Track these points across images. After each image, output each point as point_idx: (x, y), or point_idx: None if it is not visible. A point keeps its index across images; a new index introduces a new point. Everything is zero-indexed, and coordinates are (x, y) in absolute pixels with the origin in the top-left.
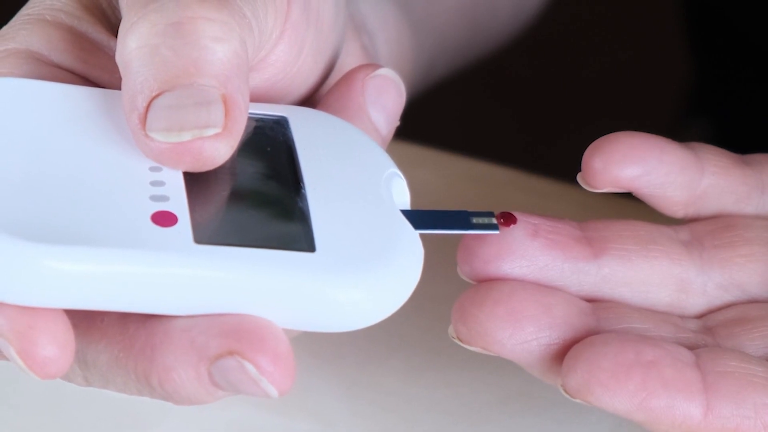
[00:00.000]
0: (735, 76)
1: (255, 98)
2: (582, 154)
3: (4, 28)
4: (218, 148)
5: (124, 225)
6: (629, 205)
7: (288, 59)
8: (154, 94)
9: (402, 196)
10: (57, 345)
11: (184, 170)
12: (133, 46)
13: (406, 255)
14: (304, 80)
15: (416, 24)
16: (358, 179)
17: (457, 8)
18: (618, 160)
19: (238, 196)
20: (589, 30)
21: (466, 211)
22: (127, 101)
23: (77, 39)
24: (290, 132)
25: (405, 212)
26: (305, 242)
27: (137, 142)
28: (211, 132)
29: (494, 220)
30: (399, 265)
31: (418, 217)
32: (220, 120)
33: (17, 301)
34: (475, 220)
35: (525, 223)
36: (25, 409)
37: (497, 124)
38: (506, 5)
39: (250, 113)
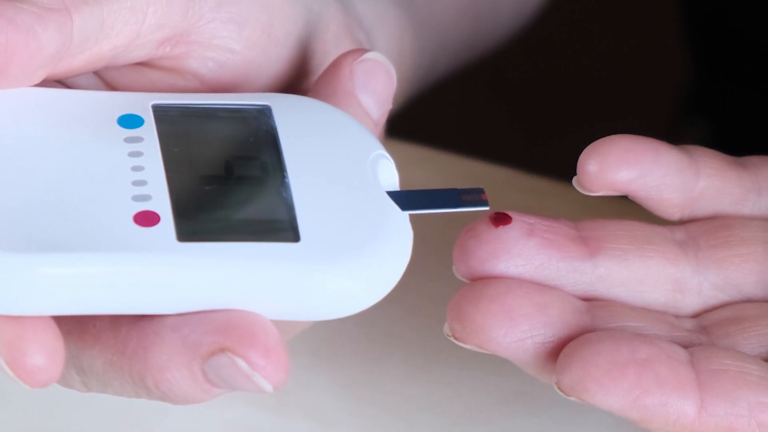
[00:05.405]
0: (734, 76)
1: (216, 79)
2: (580, 154)
3: None
4: None
5: (106, 228)
6: (626, 204)
7: (230, 35)
8: None
9: (390, 177)
10: (46, 354)
11: None
12: None
13: (394, 238)
14: (276, 55)
15: (417, 23)
16: (343, 163)
17: (459, 6)
18: (613, 164)
19: (221, 191)
20: (587, 30)
21: (455, 189)
22: None
23: None
24: (273, 121)
25: (392, 194)
26: (289, 232)
27: None
28: None
29: (483, 196)
30: (387, 248)
31: (406, 198)
32: None
33: (5, 311)
34: (464, 198)
35: (521, 223)
36: (25, 409)
37: (496, 124)
38: (507, 3)
39: (233, 104)
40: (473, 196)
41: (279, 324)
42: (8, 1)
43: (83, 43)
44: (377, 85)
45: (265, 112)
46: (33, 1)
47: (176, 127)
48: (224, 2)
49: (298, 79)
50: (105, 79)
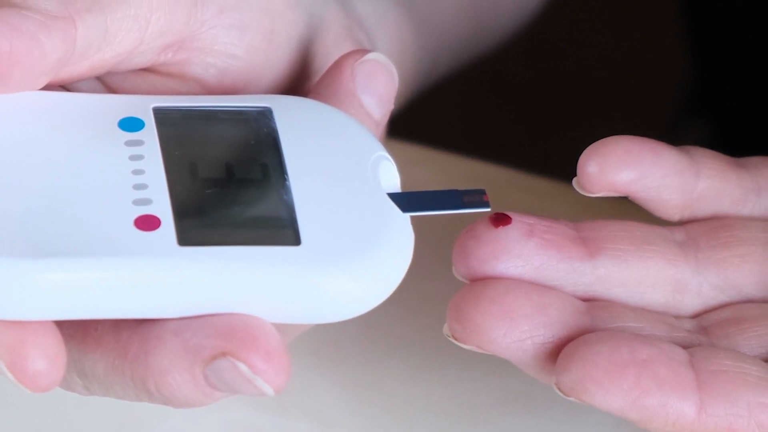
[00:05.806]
0: (734, 76)
1: (215, 84)
2: (581, 154)
3: None
4: None
5: (107, 232)
6: (626, 205)
7: (232, 41)
8: None
9: (391, 178)
10: (47, 358)
11: None
12: None
13: (395, 239)
14: (278, 59)
15: (418, 22)
16: (344, 165)
17: (459, 6)
18: (613, 165)
19: (222, 194)
20: (587, 30)
21: (456, 190)
22: None
23: None
24: (274, 123)
25: (394, 195)
26: (290, 236)
27: None
28: None
29: (485, 198)
30: (388, 250)
31: (407, 200)
32: None
33: (6, 316)
34: (465, 199)
35: (520, 223)
36: (26, 410)
37: (496, 124)
38: (508, 3)
39: (234, 106)
40: (475, 197)
41: (280, 327)
42: (13, 8)
43: (86, 50)
44: (379, 85)
45: (265, 114)
46: (37, 8)
47: (177, 130)
48: (226, 8)
49: (299, 82)
50: (107, 84)
